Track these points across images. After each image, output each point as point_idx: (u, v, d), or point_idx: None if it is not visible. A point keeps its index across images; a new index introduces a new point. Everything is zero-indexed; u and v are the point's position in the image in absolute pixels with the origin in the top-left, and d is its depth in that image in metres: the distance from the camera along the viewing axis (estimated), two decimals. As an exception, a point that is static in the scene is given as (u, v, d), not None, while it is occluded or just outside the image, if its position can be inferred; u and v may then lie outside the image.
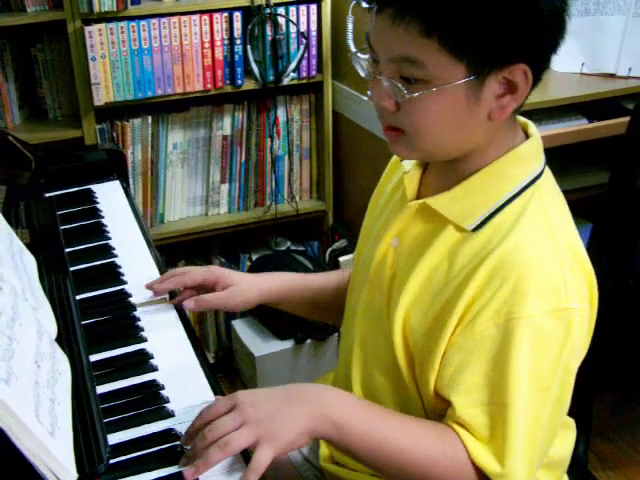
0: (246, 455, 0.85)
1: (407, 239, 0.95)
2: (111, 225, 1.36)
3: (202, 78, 2.03)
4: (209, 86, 2.05)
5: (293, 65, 2.10)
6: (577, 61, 2.02)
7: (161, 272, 1.23)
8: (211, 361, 2.32)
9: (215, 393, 0.97)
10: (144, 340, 1.06)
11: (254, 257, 2.36)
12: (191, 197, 2.23)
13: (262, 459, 0.81)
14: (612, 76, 2.07)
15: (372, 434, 0.87)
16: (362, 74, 0.91)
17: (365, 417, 0.88)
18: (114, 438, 0.88)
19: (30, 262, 1.10)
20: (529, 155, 0.91)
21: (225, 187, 2.24)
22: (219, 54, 2.03)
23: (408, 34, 0.80)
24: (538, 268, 0.84)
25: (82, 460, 0.80)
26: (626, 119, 1.62)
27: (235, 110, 2.17)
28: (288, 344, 2.13)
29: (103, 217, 1.38)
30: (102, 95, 1.93)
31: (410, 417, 0.94)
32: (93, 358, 1.01)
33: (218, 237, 2.29)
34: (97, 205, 1.43)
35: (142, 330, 1.08)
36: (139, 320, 1.10)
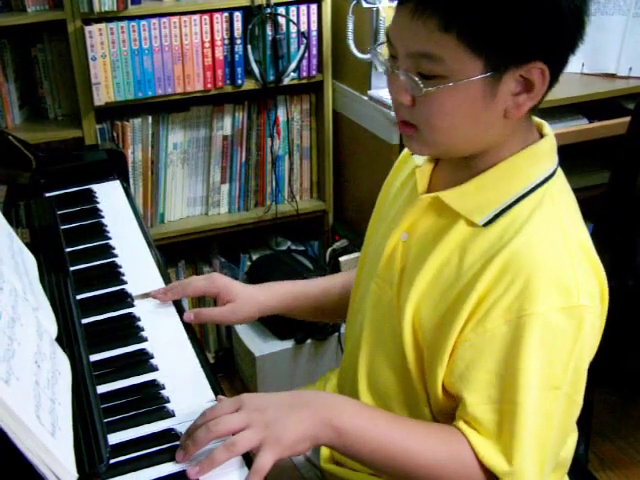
0: (245, 456, 0.85)
1: (417, 233, 0.95)
2: (111, 225, 1.36)
3: (202, 78, 2.03)
4: (209, 86, 2.05)
5: (293, 65, 2.10)
6: (577, 61, 2.02)
7: (161, 272, 1.23)
8: (211, 361, 2.32)
9: (215, 393, 0.97)
10: (144, 340, 1.06)
11: (254, 257, 2.36)
12: (191, 197, 2.23)
13: (265, 462, 0.82)
14: (612, 76, 2.07)
15: (375, 439, 0.87)
16: (380, 69, 0.91)
17: (368, 423, 0.88)
18: (114, 438, 0.88)
19: (30, 262, 1.10)
20: (543, 154, 0.91)
21: (225, 187, 2.24)
22: (219, 54, 2.03)
23: (427, 29, 0.80)
24: (550, 265, 0.84)
25: (82, 460, 0.80)
26: (626, 119, 1.62)
27: (235, 110, 2.17)
28: (288, 344, 2.13)
29: (103, 217, 1.38)
30: (102, 95, 1.94)
31: (415, 420, 0.94)
32: (93, 358, 1.01)
33: (218, 237, 2.29)
34: (97, 205, 1.43)
35: (142, 330, 1.08)
36: (139, 320, 1.10)
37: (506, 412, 0.85)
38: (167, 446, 0.87)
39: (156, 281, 1.20)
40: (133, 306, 1.13)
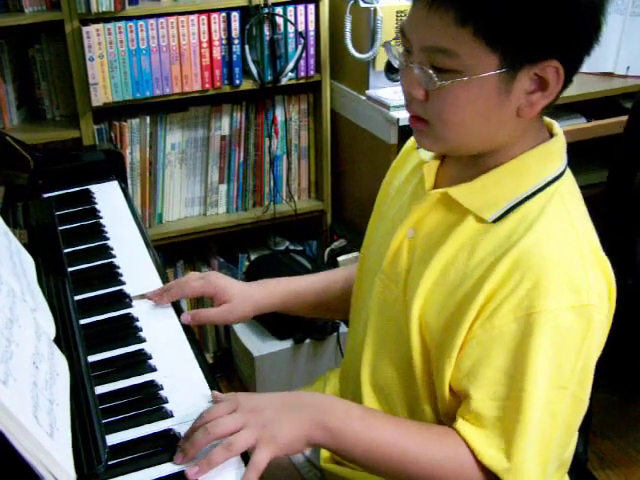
0: (243, 456, 0.85)
1: (423, 230, 0.95)
2: (109, 225, 1.36)
3: (200, 78, 2.03)
4: (207, 86, 2.05)
5: (291, 65, 2.10)
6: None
7: (160, 272, 1.23)
8: (210, 361, 2.31)
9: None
10: (142, 340, 1.06)
11: (252, 257, 2.35)
12: (189, 197, 2.23)
13: (260, 460, 0.83)
14: (610, 75, 2.07)
15: (368, 440, 0.88)
16: (395, 63, 0.91)
17: (360, 424, 0.88)
18: (113, 439, 0.88)
19: (28, 263, 1.10)
20: (553, 153, 0.91)
21: (223, 187, 2.24)
22: (217, 54, 2.03)
23: (443, 22, 0.80)
24: (560, 263, 0.83)
25: (81, 461, 0.80)
26: (624, 118, 1.62)
27: (233, 110, 2.17)
28: (287, 344, 2.13)
29: (101, 217, 1.38)
30: (100, 95, 1.93)
31: (411, 421, 0.95)
32: (92, 359, 1.01)
33: (216, 237, 2.29)
34: (95, 205, 1.42)
35: (140, 330, 1.08)
36: (137, 320, 1.10)
37: (510, 409, 0.84)
38: (166, 446, 0.87)
39: (154, 282, 1.20)
40: (131, 307, 1.13)
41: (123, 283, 1.19)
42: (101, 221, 1.37)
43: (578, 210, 0.91)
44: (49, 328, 0.97)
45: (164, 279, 1.21)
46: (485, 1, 0.79)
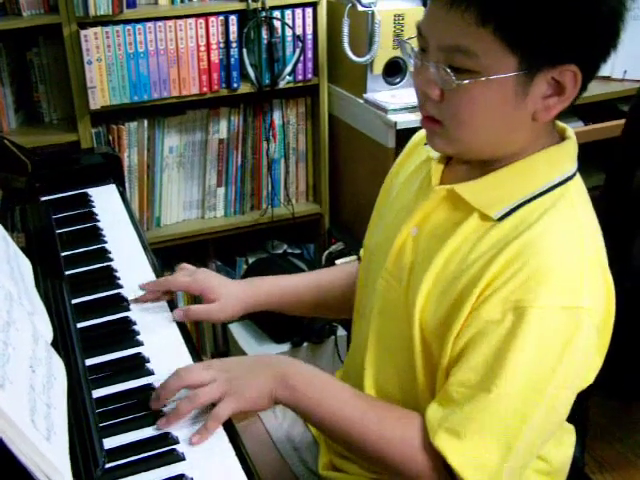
0: (230, 433, 0.90)
1: (427, 227, 0.94)
2: (107, 229, 1.35)
3: (198, 81, 2.03)
4: (205, 89, 2.05)
5: (289, 68, 2.10)
6: (572, 64, 2.03)
7: (157, 276, 1.22)
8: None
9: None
10: (140, 344, 1.05)
11: (250, 260, 2.35)
12: (187, 200, 2.23)
13: (224, 410, 0.89)
14: (607, 79, 2.07)
15: (326, 403, 0.91)
16: (410, 62, 0.91)
17: (321, 387, 0.92)
18: (110, 442, 0.87)
19: (26, 266, 1.10)
20: (563, 155, 0.91)
21: (221, 190, 2.24)
22: (215, 57, 2.03)
23: (463, 22, 0.80)
24: (559, 261, 0.83)
25: (78, 465, 0.80)
26: (622, 121, 1.62)
27: (231, 113, 2.17)
28: (285, 347, 2.13)
29: (99, 221, 1.38)
30: (98, 99, 1.93)
31: (377, 399, 0.97)
32: (89, 362, 1.00)
33: (214, 240, 2.29)
34: (93, 209, 1.42)
35: (138, 334, 1.07)
36: (135, 324, 1.10)
37: (477, 398, 0.83)
38: (163, 450, 0.87)
39: (152, 285, 1.20)
40: (129, 310, 1.13)
41: (121, 286, 1.18)
42: (99, 224, 1.37)
43: (586, 213, 0.90)
44: (46, 331, 0.97)
45: (162, 282, 1.21)
46: (507, 2, 0.79)
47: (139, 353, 1.03)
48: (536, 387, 0.83)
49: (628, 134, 1.58)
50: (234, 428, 0.91)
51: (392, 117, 1.91)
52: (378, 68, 2.02)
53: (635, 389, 2.11)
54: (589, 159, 2.01)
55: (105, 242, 1.31)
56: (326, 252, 2.28)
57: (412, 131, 1.12)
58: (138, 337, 1.07)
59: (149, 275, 1.23)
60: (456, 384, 0.85)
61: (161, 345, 1.06)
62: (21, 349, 0.84)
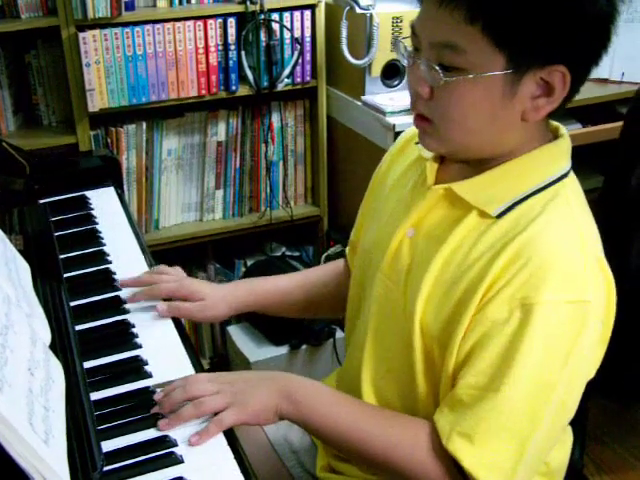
0: (228, 436, 0.89)
1: (424, 228, 0.94)
2: (105, 231, 1.35)
3: (196, 84, 2.03)
4: (203, 92, 2.05)
5: (287, 71, 2.10)
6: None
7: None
8: (206, 367, 2.31)
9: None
10: (138, 347, 1.05)
11: (249, 263, 2.35)
12: (186, 203, 2.23)
13: (226, 419, 0.89)
14: (605, 81, 2.07)
15: (331, 416, 0.91)
16: (403, 61, 0.91)
17: (328, 400, 0.92)
18: (108, 445, 0.87)
19: (24, 269, 1.10)
20: (557, 153, 0.92)
21: (220, 193, 2.24)
22: (213, 60, 2.03)
23: (453, 19, 0.81)
24: (561, 257, 0.83)
25: (76, 468, 0.80)
26: (619, 124, 1.62)
27: (229, 116, 2.17)
28: (283, 350, 2.13)
29: (97, 223, 1.38)
30: (96, 101, 1.93)
31: (376, 406, 0.97)
32: (87, 365, 1.00)
33: (213, 243, 2.29)
34: (91, 211, 1.42)
35: (136, 336, 1.07)
36: (133, 327, 1.10)
37: (486, 399, 0.83)
38: (162, 453, 0.87)
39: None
40: (127, 312, 1.13)
41: (119, 289, 1.18)
42: (97, 227, 1.37)
43: (582, 210, 0.91)
44: (45, 334, 0.97)
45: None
46: (495, 0, 0.79)
47: (137, 356, 1.03)
48: (546, 384, 0.83)
49: (626, 136, 1.58)
50: (232, 431, 0.91)
51: (390, 119, 1.91)
52: (376, 70, 2.02)
53: (634, 391, 2.11)
54: (587, 161, 2.02)
55: (103, 245, 1.31)
56: (324, 254, 2.28)
57: (411, 133, 1.12)
58: (136, 340, 1.07)
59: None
60: (465, 387, 0.85)
61: (159, 348, 1.06)
62: (19, 352, 0.84)
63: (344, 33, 2.00)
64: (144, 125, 2.07)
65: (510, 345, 0.83)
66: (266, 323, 2.16)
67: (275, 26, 2.07)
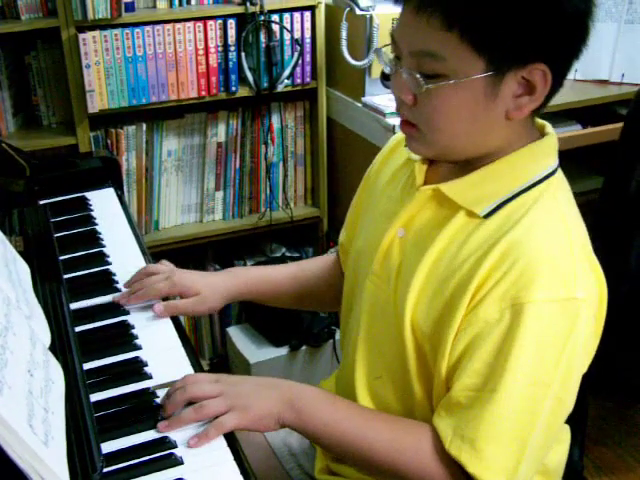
0: (228, 438, 0.89)
1: (414, 228, 0.95)
2: (105, 232, 1.35)
3: (196, 85, 2.03)
4: (203, 93, 2.05)
5: (287, 72, 2.10)
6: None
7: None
8: (206, 368, 2.31)
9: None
10: (138, 348, 1.05)
11: (249, 264, 2.35)
12: (185, 204, 2.23)
13: (226, 422, 0.88)
14: (605, 82, 2.08)
15: (334, 424, 0.90)
16: (386, 70, 0.92)
17: (329, 408, 0.92)
18: (108, 446, 0.87)
19: (24, 270, 1.10)
20: (544, 151, 0.92)
21: (220, 194, 2.24)
22: (213, 61, 2.03)
23: (430, 26, 0.81)
24: (549, 255, 0.83)
25: (76, 469, 0.80)
26: (620, 125, 1.62)
27: (229, 117, 2.17)
28: (283, 351, 2.13)
29: (97, 224, 1.38)
30: (96, 102, 1.93)
31: (378, 412, 0.96)
32: (87, 366, 1.00)
33: (213, 244, 2.29)
34: (91, 212, 1.42)
35: (136, 338, 1.07)
36: (133, 328, 1.10)
37: (482, 400, 0.83)
38: (162, 454, 0.87)
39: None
40: (127, 314, 1.13)
41: (119, 290, 1.18)
42: (97, 228, 1.37)
43: (569, 207, 0.91)
44: (44, 336, 0.97)
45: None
46: (471, 6, 0.80)
47: (137, 357, 1.03)
48: (541, 381, 0.83)
49: (626, 137, 1.58)
50: (233, 433, 0.90)
51: (390, 121, 1.91)
52: (376, 72, 2.02)
53: (634, 391, 2.11)
54: (587, 162, 2.03)
55: (103, 246, 1.31)
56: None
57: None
58: (136, 341, 1.07)
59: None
60: (461, 388, 0.85)
61: (159, 349, 1.06)
62: (19, 353, 0.84)
63: (344, 34, 2.00)
64: (144, 126, 2.07)
65: (503, 345, 0.83)
66: (266, 324, 2.16)
67: (275, 27, 2.07)
